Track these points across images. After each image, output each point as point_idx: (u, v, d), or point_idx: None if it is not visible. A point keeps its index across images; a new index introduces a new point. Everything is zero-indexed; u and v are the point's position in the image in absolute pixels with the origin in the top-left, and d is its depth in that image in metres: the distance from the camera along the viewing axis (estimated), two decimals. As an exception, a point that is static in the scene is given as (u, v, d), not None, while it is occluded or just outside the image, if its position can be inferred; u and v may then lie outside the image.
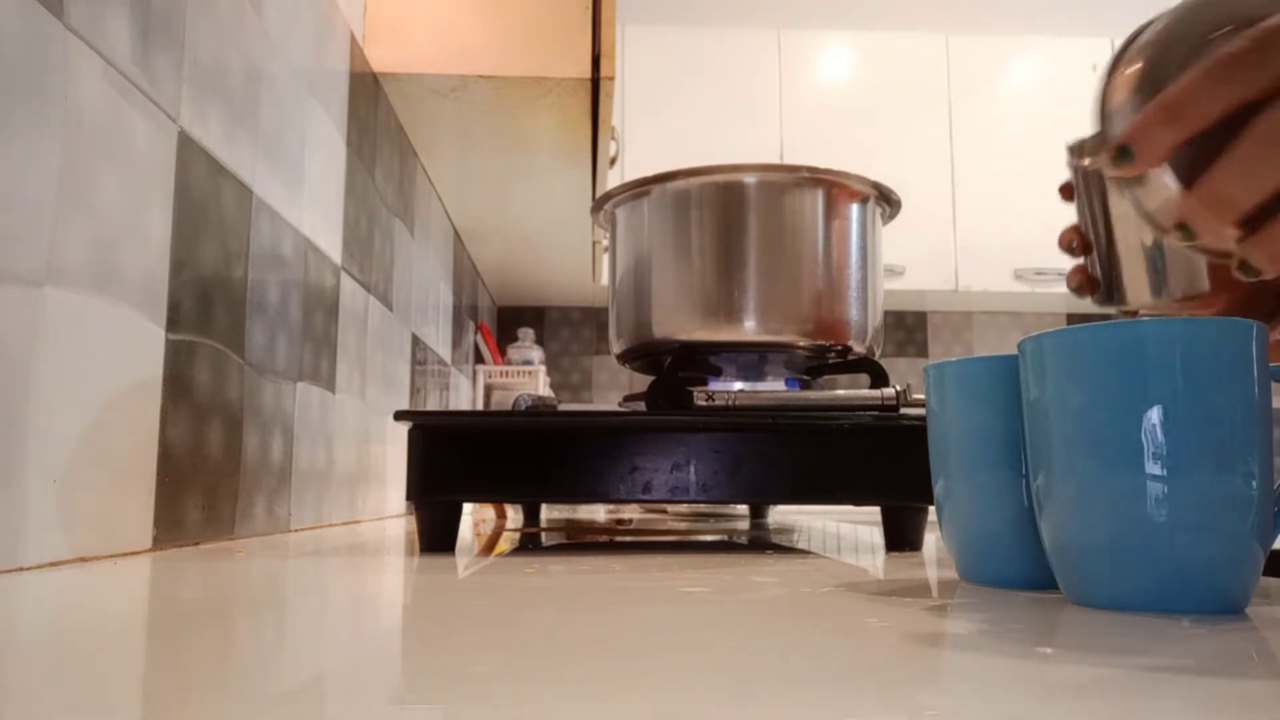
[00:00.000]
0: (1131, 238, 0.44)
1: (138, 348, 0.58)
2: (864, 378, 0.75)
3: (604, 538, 0.79)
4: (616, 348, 0.79)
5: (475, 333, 2.21)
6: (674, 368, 0.71)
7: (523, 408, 0.79)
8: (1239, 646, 0.28)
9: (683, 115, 2.48)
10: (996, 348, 2.86)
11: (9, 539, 0.46)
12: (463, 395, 2.04)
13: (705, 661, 0.25)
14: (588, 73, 1.16)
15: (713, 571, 0.49)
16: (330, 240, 0.99)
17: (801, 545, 0.70)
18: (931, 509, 0.54)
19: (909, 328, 2.88)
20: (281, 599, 0.40)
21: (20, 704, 0.21)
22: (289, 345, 0.86)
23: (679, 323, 0.73)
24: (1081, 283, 0.47)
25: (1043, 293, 2.54)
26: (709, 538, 0.80)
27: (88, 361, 0.53)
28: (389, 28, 1.15)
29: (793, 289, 0.72)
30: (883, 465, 0.63)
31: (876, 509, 0.67)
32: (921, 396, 0.64)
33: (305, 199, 0.90)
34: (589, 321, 2.83)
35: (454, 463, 0.62)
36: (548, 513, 1.29)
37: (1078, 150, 0.44)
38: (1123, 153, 0.36)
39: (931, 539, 0.71)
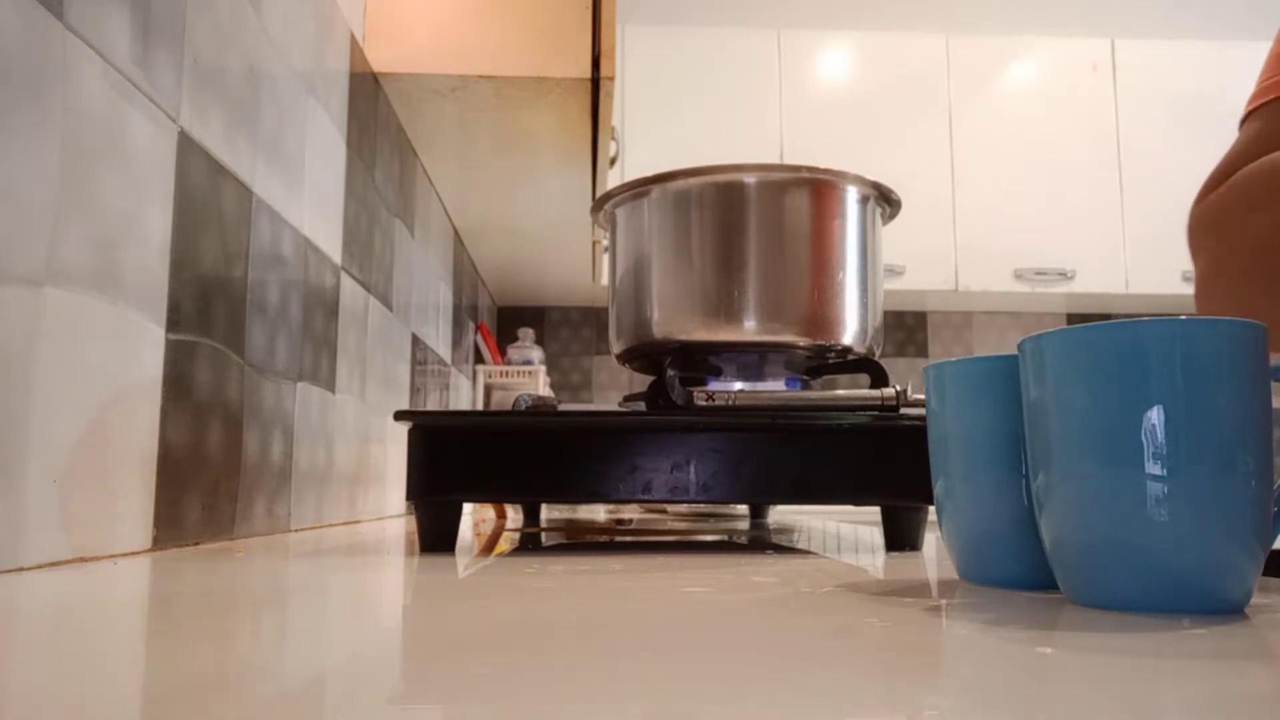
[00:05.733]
0: None
1: (138, 348, 0.58)
2: (864, 378, 0.75)
3: (604, 538, 0.79)
4: (616, 348, 0.79)
5: (475, 333, 2.21)
6: (674, 368, 0.71)
7: (523, 408, 0.79)
8: (1239, 646, 0.28)
9: (683, 115, 2.48)
10: (996, 348, 2.86)
11: (9, 539, 0.46)
12: (463, 395, 2.04)
13: (705, 661, 0.25)
14: (588, 73, 1.16)
15: (713, 571, 0.49)
16: (330, 240, 0.99)
17: (801, 545, 0.70)
18: (931, 509, 0.54)
19: (909, 328, 2.88)
20: (281, 599, 0.40)
21: (20, 704, 0.21)
22: (289, 345, 0.86)
23: (679, 323, 0.73)
24: None
25: (1043, 293, 2.54)
26: (709, 538, 0.80)
27: (88, 361, 0.53)
28: (389, 28, 1.15)
29: (793, 289, 0.72)
30: (883, 465, 0.63)
31: (876, 509, 0.67)
32: (921, 396, 0.64)
33: (305, 199, 0.90)
34: (589, 321, 2.83)
35: (454, 463, 0.62)
36: (548, 513, 1.29)
37: None
38: None
39: (931, 539, 0.71)
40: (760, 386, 0.81)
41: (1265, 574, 0.43)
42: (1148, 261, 2.50)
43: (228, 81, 0.72)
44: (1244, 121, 0.72)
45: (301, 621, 0.34)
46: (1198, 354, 0.33)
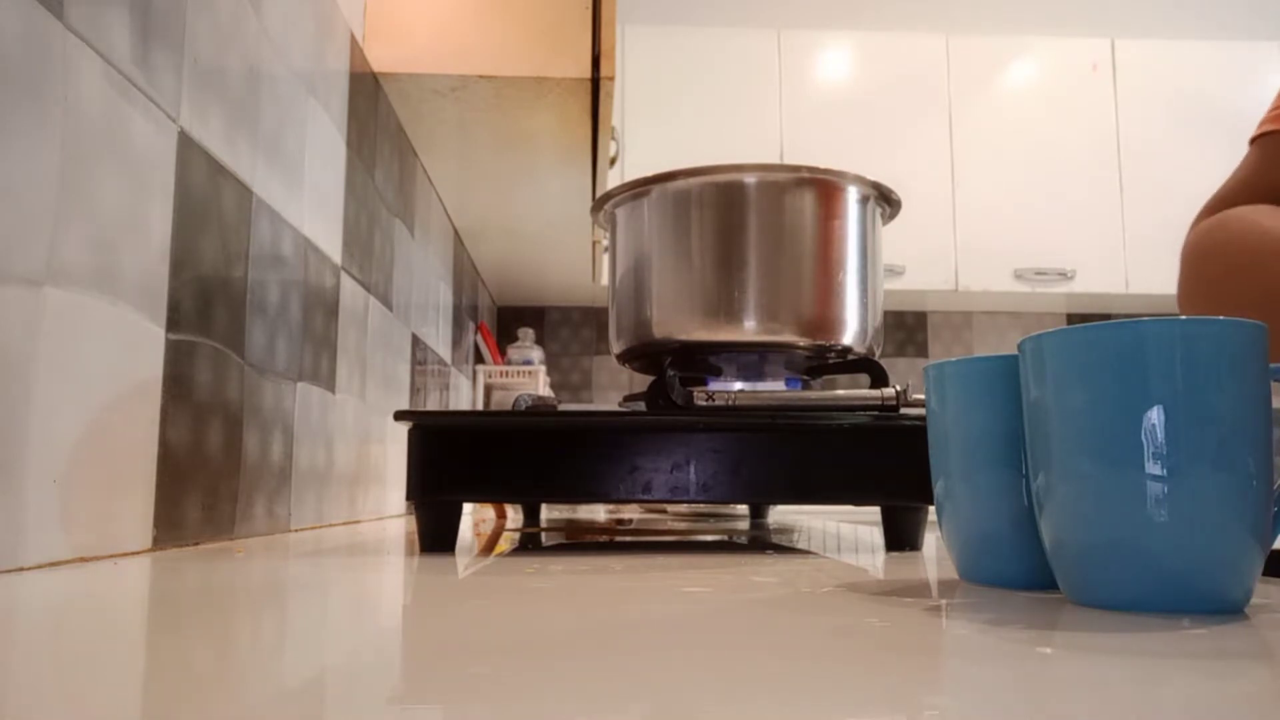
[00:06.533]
0: None
1: (138, 348, 0.58)
2: (864, 378, 0.75)
3: (604, 538, 0.79)
4: (616, 348, 0.79)
5: (475, 333, 2.20)
6: (674, 368, 0.71)
7: (523, 408, 0.79)
8: (1239, 646, 0.28)
9: (683, 115, 2.48)
10: (996, 348, 2.86)
11: (9, 539, 0.46)
12: (463, 395, 2.04)
13: (705, 661, 0.25)
14: (588, 73, 1.16)
15: (713, 571, 0.49)
16: (330, 240, 0.99)
17: (801, 545, 0.70)
18: (931, 509, 0.54)
19: (909, 328, 2.88)
20: (281, 599, 0.40)
21: (20, 704, 0.21)
22: (289, 345, 0.86)
23: (679, 323, 0.73)
24: None
25: (1043, 293, 2.54)
26: (709, 538, 0.80)
27: (88, 361, 0.53)
28: (389, 28, 1.15)
29: (793, 289, 0.72)
30: (883, 465, 0.63)
31: (876, 509, 0.67)
32: (921, 396, 0.64)
33: (305, 199, 0.90)
34: (589, 321, 2.83)
35: (454, 463, 0.62)
36: (548, 513, 1.29)
37: None
38: None
39: (931, 539, 0.71)
40: (760, 386, 0.81)
41: (1265, 574, 0.43)
42: (1148, 261, 2.50)
43: (228, 81, 0.72)
44: (1253, 141, 0.74)
45: (301, 621, 0.34)
46: (1198, 354, 0.33)
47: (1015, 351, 0.39)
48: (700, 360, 0.76)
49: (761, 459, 0.63)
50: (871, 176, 0.74)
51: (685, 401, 0.68)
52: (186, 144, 0.65)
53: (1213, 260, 0.71)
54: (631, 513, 1.35)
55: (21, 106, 0.46)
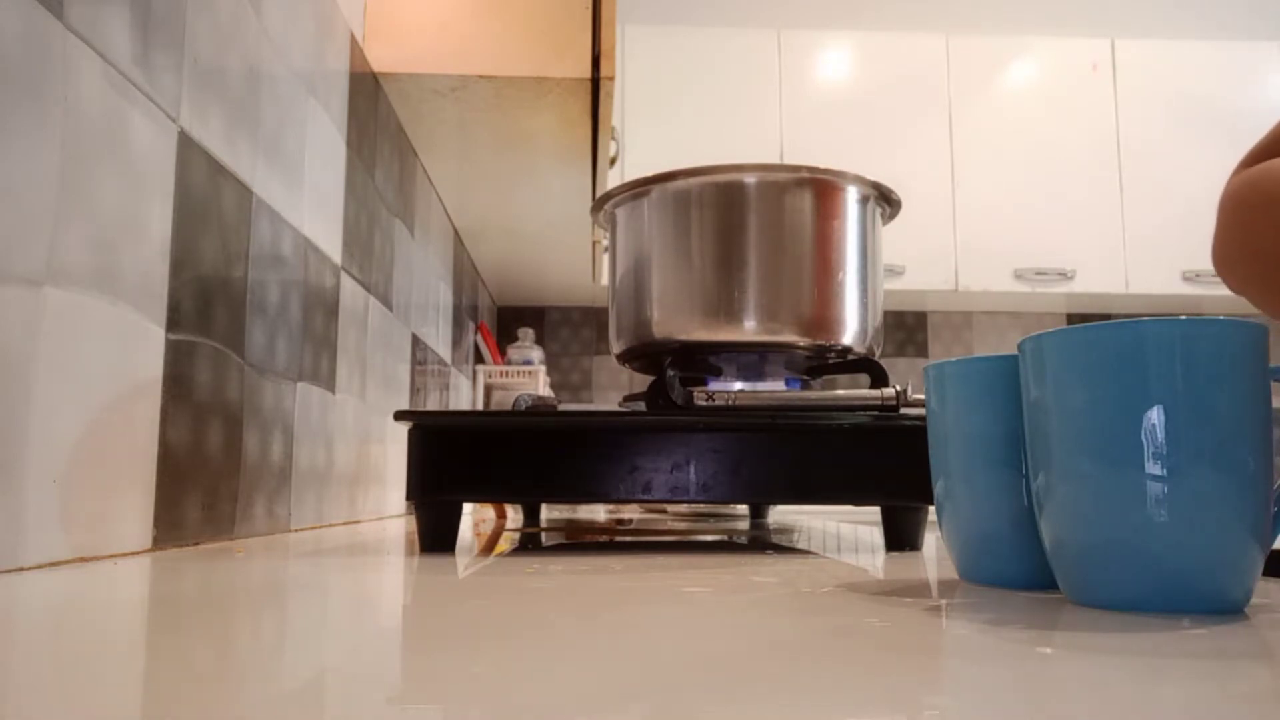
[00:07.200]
0: None
1: (138, 348, 0.58)
2: (864, 378, 0.75)
3: (604, 538, 0.79)
4: (616, 348, 0.79)
5: (475, 333, 2.20)
6: (674, 368, 0.71)
7: (523, 408, 0.79)
8: (1239, 646, 0.28)
9: (683, 115, 2.48)
10: (996, 348, 2.86)
11: (9, 539, 0.46)
12: (463, 395, 2.04)
13: (705, 662, 0.25)
14: (588, 73, 1.16)
15: (713, 571, 0.49)
16: (330, 240, 0.99)
17: (801, 545, 0.70)
18: (931, 509, 0.54)
19: (909, 328, 2.88)
20: (281, 599, 0.40)
21: (20, 704, 0.21)
22: (289, 345, 0.86)
23: (679, 323, 0.73)
24: None
25: (1043, 293, 2.54)
26: (709, 538, 0.80)
27: (88, 361, 0.53)
28: (389, 28, 1.15)
29: (793, 289, 0.72)
30: (883, 465, 0.63)
31: (876, 509, 0.67)
32: (921, 396, 0.64)
33: (305, 199, 0.90)
34: (589, 321, 2.83)
35: (454, 463, 0.62)
36: (548, 513, 1.29)
37: None
38: None
39: (931, 539, 0.71)
40: (760, 386, 0.81)
41: (1265, 574, 0.43)
42: (1148, 261, 2.50)
43: (228, 81, 0.72)
44: None
45: (301, 621, 0.34)
46: (1198, 354, 0.33)
47: (1015, 351, 0.39)
48: (700, 360, 0.76)
49: (761, 459, 0.63)
50: (871, 176, 0.74)
51: (685, 401, 0.68)
52: (186, 144, 0.65)
53: (1245, 208, 0.71)
54: (631, 513, 1.35)
55: (21, 106, 0.46)
